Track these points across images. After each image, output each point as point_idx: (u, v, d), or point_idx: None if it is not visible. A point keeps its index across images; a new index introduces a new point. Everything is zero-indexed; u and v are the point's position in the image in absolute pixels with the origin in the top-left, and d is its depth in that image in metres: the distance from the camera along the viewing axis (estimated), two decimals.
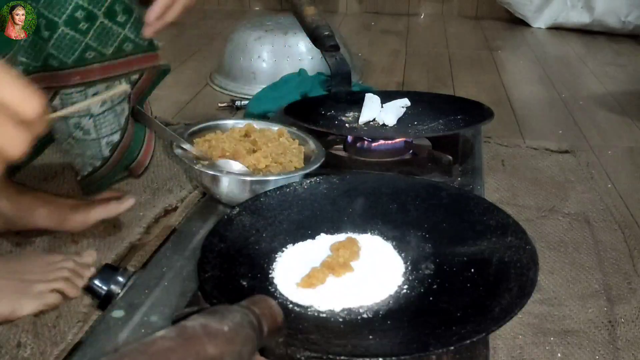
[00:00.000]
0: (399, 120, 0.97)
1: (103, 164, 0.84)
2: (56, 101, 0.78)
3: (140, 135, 0.90)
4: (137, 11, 0.79)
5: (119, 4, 0.76)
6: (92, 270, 0.72)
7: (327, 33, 1.07)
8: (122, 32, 0.77)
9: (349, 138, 0.92)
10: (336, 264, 0.55)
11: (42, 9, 0.71)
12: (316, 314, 0.51)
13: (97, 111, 0.80)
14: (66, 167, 0.96)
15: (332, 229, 0.64)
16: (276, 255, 0.59)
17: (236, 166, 0.77)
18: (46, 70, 0.75)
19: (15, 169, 0.89)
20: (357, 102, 1.01)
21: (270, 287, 0.54)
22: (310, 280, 0.54)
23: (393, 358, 0.43)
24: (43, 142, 0.87)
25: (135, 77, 0.84)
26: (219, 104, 1.37)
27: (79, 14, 0.73)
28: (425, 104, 1.03)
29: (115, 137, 0.83)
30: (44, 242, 0.83)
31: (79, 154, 0.84)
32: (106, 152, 0.83)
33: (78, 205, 0.85)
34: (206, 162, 0.77)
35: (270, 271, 0.56)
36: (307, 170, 0.76)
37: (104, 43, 0.76)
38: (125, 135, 0.84)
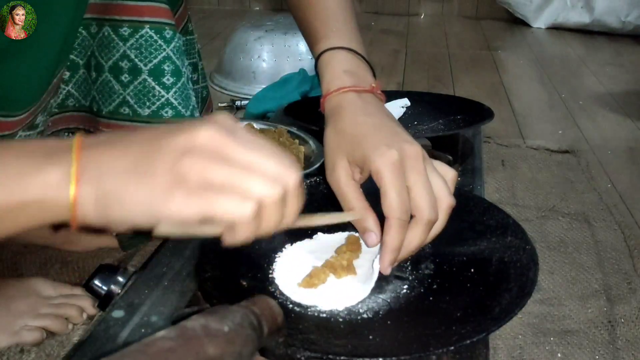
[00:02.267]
0: (399, 120, 0.97)
1: None
2: None
3: None
4: (187, 75, 0.73)
5: (169, 63, 0.69)
6: (92, 310, 0.71)
7: None
8: (165, 95, 0.69)
9: None
10: (339, 266, 0.55)
11: (95, 48, 0.68)
12: (316, 314, 0.51)
13: None
14: None
15: (332, 228, 0.64)
16: (276, 255, 0.59)
17: None
18: (90, 112, 0.71)
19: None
20: None
21: (270, 287, 0.54)
22: (312, 280, 0.53)
23: (393, 358, 0.43)
24: None
25: None
26: (219, 104, 1.37)
27: (124, 64, 0.67)
28: (425, 104, 1.03)
29: None
30: (44, 252, 0.83)
31: None
32: None
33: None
34: None
35: (270, 271, 0.56)
36: (308, 171, 0.76)
37: (141, 102, 0.69)
38: None
